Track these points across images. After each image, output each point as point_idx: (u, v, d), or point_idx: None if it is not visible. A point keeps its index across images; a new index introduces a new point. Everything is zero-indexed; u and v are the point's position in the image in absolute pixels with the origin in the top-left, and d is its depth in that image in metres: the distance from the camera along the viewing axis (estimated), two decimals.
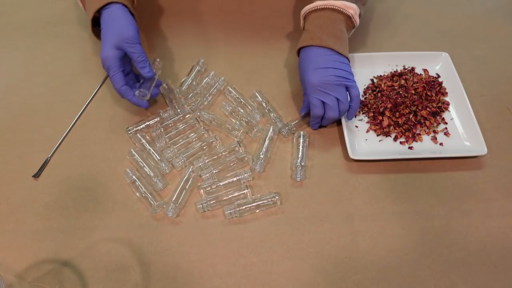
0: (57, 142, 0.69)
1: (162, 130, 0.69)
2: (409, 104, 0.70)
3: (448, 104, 0.72)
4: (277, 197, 0.60)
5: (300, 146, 0.66)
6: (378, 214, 0.61)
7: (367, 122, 0.70)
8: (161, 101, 0.74)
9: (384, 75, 0.76)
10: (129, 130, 0.68)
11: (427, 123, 0.69)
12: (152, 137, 0.69)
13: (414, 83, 0.73)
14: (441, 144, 0.67)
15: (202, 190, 0.62)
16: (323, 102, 0.63)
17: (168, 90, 0.73)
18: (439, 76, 0.75)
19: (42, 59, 0.80)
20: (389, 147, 0.67)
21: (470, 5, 0.89)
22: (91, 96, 0.74)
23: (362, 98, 0.73)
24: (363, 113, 0.72)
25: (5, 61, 0.80)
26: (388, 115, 0.69)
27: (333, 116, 0.64)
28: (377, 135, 0.69)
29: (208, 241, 0.59)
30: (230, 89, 0.73)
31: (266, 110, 0.71)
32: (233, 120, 0.71)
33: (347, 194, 0.63)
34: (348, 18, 0.67)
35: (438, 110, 0.70)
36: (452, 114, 0.71)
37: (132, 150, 0.66)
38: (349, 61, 0.66)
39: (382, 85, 0.74)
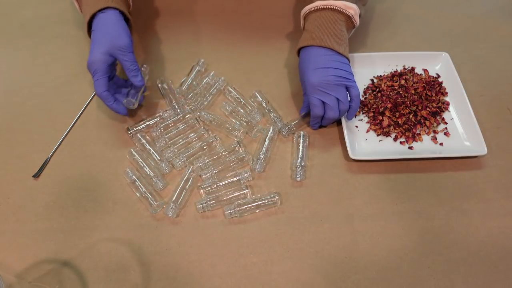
0: (57, 142, 0.69)
1: (162, 130, 0.69)
2: (409, 104, 0.70)
3: (448, 104, 0.72)
4: (277, 197, 0.60)
5: (300, 146, 0.66)
6: (378, 214, 0.61)
7: (367, 122, 0.70)
8: (161, 101, 0.74)
9: (384, 75, 0.76)
10: (129, 130, 0.68)
11: (427, 123, 0.69)
12: (152, 137, 0.69)
13: (414, 83, 0.73)
14: (441, 144, 0.67)
15: (202, 190, 0.62)
16: (323, 102, 0.63)
17: (168, 90, 0.73)
18: (439, 76, 0.75)
19: (42, 59, 0.80)
20: (389, 147, 0.67)
21: (470, 5, 0.89)
22: (91, 96, 0.74)
23: (362, 98, 0.73)
24: (363, 113, 0.72)
25: (5, 61, 0.80)
26: (388, 115, 0.69)
27: (333, 116, 0.64)
28: (377, 135, 0.69)
29: (208, 241, 0.59)
30: (230, 89, 0.73)
31: (266, 110, 0.71)
32: (233, 120, 0.71)
33: (347, 194, 0.63)
34: (348, 18, 0.67)
35: (438, 110, 0.70)
36: (452, 114, 0.71)
37: (132, 150, 0.66)
38: (349, 61, 0.66)
39: (382, 85, 0.74)
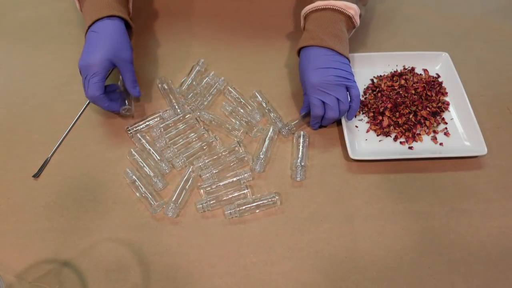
0: (57, 142, 0.69)
1: (162, 130, 0.69)
2: (409, 104, 0.70)
3: (448, 104, 0.72)
4: (277, 197, 0.60)
5: (300, 146, 0.66)
6: (378, 214, 0.61)
7: (367, 122, 0.70)
8: (161, 101, 0.74)
9: (384, 75, 0.76)
10: (129, 130, 0.68)
11: (427, 123, 0.69)
12: (152, 137, 0.69)
13: (414, 83, 0.73)
14: (441, 144, 0.67)
15: (202, 190, 0.62)
16: (323, 102, 0.63)
17: (168, 90, 0.73)
18: (439, 76, 0.75)
19: (42, 59, 0.80)
20: (389, 147, 0.67)
21: (470, 5, 0.89)
22: None
23: (362, 98, 0.73)
24: (363, 113, 0.72)
25: (5, 61, 0.80)
26: (388, 115, 0.69)
27: (333, 116, 0.64)
28: (377, 135, 0.69)
29: (208, 241, 0.59)
30: (230, 89, 0.73)
31: (266, 110, 0.71)
32: (233, 120, 0.71)
33: (347, 194, 0.63)
34: (349, 18, 0.67)
35: (438, 110, 0.70)
36: (452, 114, 0.71)
37: (132, 150, 0.66)
38: (349, 61, 0.66)
39: (382, 85, 0.74)
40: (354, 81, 0.64)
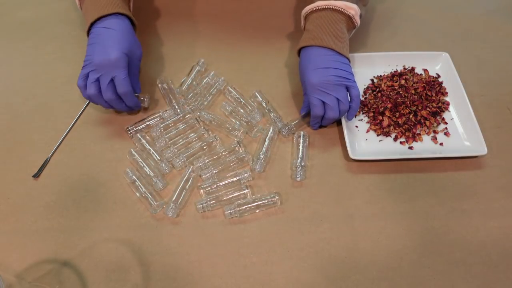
0: (57, 142, 0.69)
1: (162, 130, 0.69)
2: (409, 104, 0.70)
3: (448, 104, 0.72)
4: (277, 197, 0.60)
5: (300, 146, 0.66)
6: (378, 214, 0.61)
7: (367, 122, 0.70)
8: (161, 101, 0.74)
9: (384, 75, 0.76)
10: (129, 130, 0.68)
11: (427, 123, 0.69)
12: (152, 137, 0.69)
13: (414, 83, 0.73)
14: (441, 144, 0.67)
15: (202, 190, 0.62)
16: (323, 102, 0.63)
17: (168, 90, 0.73)
18: (439, 76, 0.75)
19: (42, 59, 0.80)
20: (389, 147, 0.67)
21: (470, 5, 0.89)
22: None
23: (362, 98, 0.73)
24: (363, 113, 0.72)
25: (5, 61, 0.80)
26: (388, 115, 0.69)
27: (333, 116, 0.64)
28: (377, 135, 0.69)
29: (208, 241, 0.59)
30: (230, 89, 0.73)
31: (266, 110, 0.71)
32: (233, 120, 0.71)
33: (347, 194, 0.63)
34: (349, 18, 0.67)
35: (438, 110, 0.70)
36: (452, 114, 0.71)
37: (132, 150, 0.66)
38: (349, 61, 0.66)
39: (382, 85, 0.74)
40: (354, 81, 0.64)
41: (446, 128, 0.69)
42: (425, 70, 0.76)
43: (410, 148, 0.67)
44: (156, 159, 0.65)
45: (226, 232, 0.59)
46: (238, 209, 0.60)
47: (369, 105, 0.71)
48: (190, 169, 0.64)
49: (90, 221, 0.61)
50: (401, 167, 0.65)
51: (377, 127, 0.69)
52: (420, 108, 0.70)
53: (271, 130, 0.68)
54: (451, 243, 0.58)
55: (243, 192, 0.61)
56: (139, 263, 0.57)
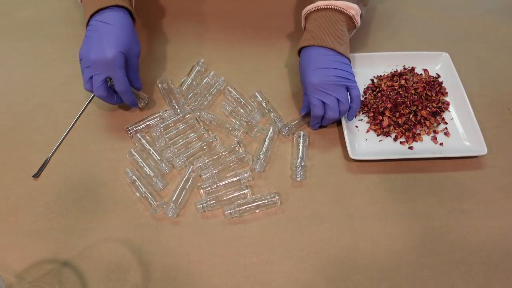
0: (57, 142, 0.69)
1: (162, 130, 0.69)
2: (409, 104, 0.70)
3: (448, 104, 0.72)
4: (277, 197, 0.60)
5: (300, 146, 0.66)
6: (378, 214, 0.61)
7: (367, 122, 0.70)
8: (161, 101, 0.74)
9: (384, 75, 0.76)
10: (129, 130, 0.68)
11: (427, 123, 0.69)
12: (152, 137, 0.69)
13: (414, 83, 0.73)
14: (441, 144, 0.67)
15: (202, 190, 0.62)
16: (323, 102, 0.63)
17: (168, 90, 0.73)
18: (439, 76, 0.75)
19: (42, 59, 0.80)
20: (389, 147, 0.67)
21: (470, 5, 0.89)
22: (91, 96, 0.74)
23: (362, 98, 0.73)
24: (363, 113, 0.72)
25: (5, 61, 0.80)
26: (388, 115, 0.69)
27: (333, 116, 0.64)
28: (377, 135, 0.69)
29: (208, 241, 0.59)
30: (230, 89, 0.73)
31: (266, 110, 0.71)
32: (233, 120, 0.71)
33: (347, 194, 0.63)
34: (349, 18, 0.67)
35: (438, 110, 0.70)
36: (452, 114, 0.71)
37: (132, 150, 0.66)
38: (350, 61, 0.66)
39: (382, 85, 0.74)
40: (355, 82, 0.64)
41: (446, 128, 0.69)
42: (425, 70, 0.76)
43: (410, 148, 0.67)
44: (156, 159, 0.65)
45: (226, 232, 0.59)
46: (238, 209, 0.60)
47: (369, 105, 0.71)
48: (190, 169, 0.64)
49: (90, 221, 0.61)
50: (401, 167, 0.65)
51: (377, 127, 0.69)
52: (420, 108, 0.70)
53: (271, 130, 0.68)
54: (451, 243, 0.58)
55: (243, 192, 0.61)
56: (139, 263, 0.57)
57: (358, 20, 0.68)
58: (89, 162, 0.66)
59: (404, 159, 0.66)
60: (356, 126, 0.70)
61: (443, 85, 0.74)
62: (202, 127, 0.69)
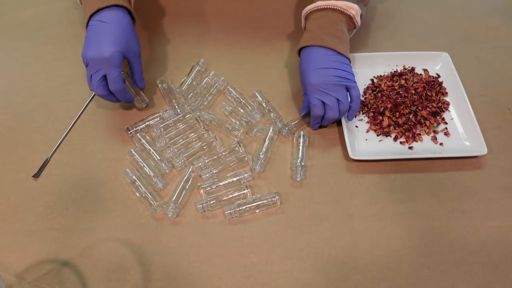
0: (57, 142, 0.69)
1: (162, 130, 0.69)
2: (409, 104, 0.70)
3: (448, 104, 0.72)
4: (277, 197, 0.60)
5: (300, 146, 0.66)
6: (378, 214, 0.61)
7: (367, 122, 0.70)
8: (161, 101, 0.74)
9: (384, 75, 0.76)
10: (129, 130, 0.68)
11: (427, 123, 0.69)
12: (152, 137, 0.69)
13: (414, 83, 0.73)
14: (441, 144, 0.67)
15: (202, 190, 0.62)
16: (323, 102, 0.63)
17: (168, 90, 0.73)
18: (439, 76, 0.75)
19: (42, 59, 0.80)
20: (389, 147, 0.67)
21: (470, 5, 0.89)
22: (91, 96, 0.74)
23: (362, 98, 0.73)
24: (363, 113, 0.72)
25: (5, 61, 0.80)
26: (388, 115, 0.69)
27: (333, 116, 0.64)
28: (377, 135, 0.69)
29: (208, 241, 0.59)
30: (230, 89, 0.73)
31: (266, 110, 0.71)
32: (233, 120, 0.71)
33: (347, 194, 0.63)
34: (349, 18, 0.67)
35: (438, 110, 0.70)
36: (452, 114, 0.71)
37: (132, 150, 0.66)
38: (350, 61, 0.66)
39: (382, 85, 0.74)
40: (355, 82, 0.64)
41: (446, 128, 0.69)
42: (425, 70, 0.76)
43: (410, 148, 0.67)
44: (156, 159, 0.65)
45: (226, 232, 0.59)
46: (238, 209, 0.60)
47: (369, 105, 0.71)
48: (190, 169, 0.64)
49: (90, 221, 0.61)
50: (401, 167, 0.65)
51: (377, 127, 0.69)
52: (420, 108, 0.70)
53: (271, 130, 0.68)
54: (451, 243, 0.58)
55: (243, 192, 0.61)
56: (139, 263, 0.57)
57: (358, 20, 0.68)
58: (89, 162, 0.66)
59: (404, 159, 0.66)
60: (356, 126, 0.70)
61: (443, 85, 0.74)
62: (202, 127, 0.69)
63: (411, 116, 0.69)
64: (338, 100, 0.63)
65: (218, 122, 0.69)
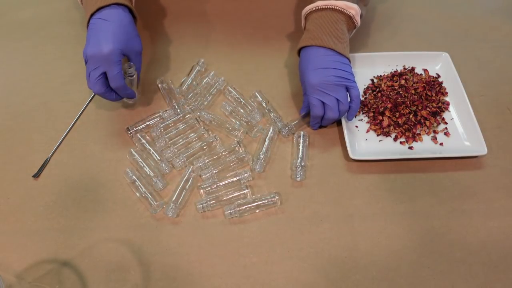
0: (57, 142, 0.69)
1: (162, 130, 0.69)
2: (409, 104, 0.70)
3: (448, 104, 0.72)
4: (277, 197, 0.60)
5: (300, 146, 0.66)
6: (378, 214, 0.61)
7: (367, 122, 0.70)
8: (161, 101, 0.74)
9: (384, 75, 0.76)
10: (129, 130, 0.68)
11: (427, 123, 0.69)
12: (152, 137, 0.69)
13: (414, 83, 0.73)
14: (441, 144, 0.67)
15: (202, 190, 0.62)
16: (323, 103, 0.63)
17: (168, 90, 0.73)
18: (439, 76, 0.75)
19: (42, 59, 0.80)
20: (389, 147, 0.67)
21: (470, 5, 0.89)
22: (91, 96, 0.74)
23: (362, 98, 0.73)
24: (363, 113, 0.72)
25: (5, 61, 0.80)
26: (388, 115, 0.69)
27: (333, 116, 0.64)
28: (377, 135, 0.69)
29: (208, 241, 0.59)
30: (230, 89, 0.73)
31: (266, 110, 0.71)
32: (233, 120, 0.71)
33: (347, 194, 0.63)
34: (349, 18, 0.67)
35: (438, 110, 0.70)
36: (452, 114, 0.71)
37: (132, 150, 0.66)
38: (350, 61, 0.66)
39: (382, 85, 0.74)
40: (354, 82, 0.64)
41: (446, 128, 0.69)
42: (425, 70, 0.76)
43: (410, 148, 0.67)
44: (156, 159, 0.65)
45: (226, 232, 0.59)
46: (238, 209, 0.60)
47: (369, 105, 0.71)
48: (190, 169, 0.64)
49: (90, 221, 0.61)
50: (401, 167, 0.65)
51: (377, 127, 0.69)
52: (420, 108, 0.70)
53: (271, 130, 0.68)
54: (451, 243, 0.58)
55: (243, 192, 0.61)
56: (139, 263, 0.57)
57: (358, 20, 0.68)
58: (89, 162, 0.66)
59: (404, 159, 0.66)
60: (356, 126, 0.70)
61: (443, 85, 0.74)
62: (202, 127, 0.69)
63: (411, 116, 0.69)
64: (337, 100, 0.63)
65: (218, 122, 0.69)
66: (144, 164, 0.64)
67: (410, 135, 0.68)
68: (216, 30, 0.84)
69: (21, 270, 0.56)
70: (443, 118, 0.70)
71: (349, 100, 0.65)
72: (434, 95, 0.72)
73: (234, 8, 0.88)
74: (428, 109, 0.70)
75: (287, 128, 0.68)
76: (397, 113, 0.69)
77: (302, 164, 0.64)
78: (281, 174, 0.65)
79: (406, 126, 0.68)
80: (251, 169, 0.65)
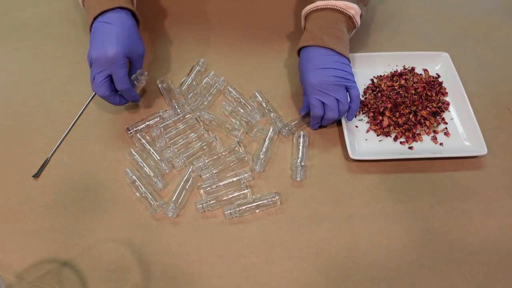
0: (57, 142, 0.69)
1: (162, 130, 0.69)
2: (409, 104, 0.70)
3: (448, 104, 0.72)
4: (277, 197, 0.60)
5: (300, 146, 0.66)
6: (378, 214, 0.61)
7: (367, 122, 0.70)
8: (161, 101, 0.74)
9: (384, 75, 0.76)
10: (129, 130, 0.68)
11: (427, 123, 0.69)
12: (152, 137, 0.69)
13: (414, 83, 0.73)
14: (441, 144, 0.67)
15: (202, 190, 0.62)
16: (323, 103, 0.63)
17: (168, 90, 0.73)
18: (439, 76, 0.75)
19: (42, 59, 0.80)
20: (389, 147, 0.67)
21: (470, 5, 0.89)
22: (91, 96, 0.74)
23: (362, 98, 0.73)
24: (363, 113, 0.72)
25: (5, 61, 0.80)
26: (388, 115, 0.69)
27: (332, 116, 0.64)
28: (377, 135, 0.69)
29: (208, 241, 0.59)
30: (230, 89, 0.73)
31: (266, 110, 0.71)
32: (233, 120, 0.71)
33: (347, 194, 0.63)
34: (349, 18, 0.67)
35: (438, 110, 0.70)
36: (452, 114, 0.71)
37: (132, 150, 0.66)
38: (349, 61, 0.66)
39: (382, 85, 0.74)
40: (354, 82, 0.64)
41: (446, 128, 0.69)
42: (425, 70, 0.76)
43: (410, 148, 0.67)
44: (156, 159, 0.65)
45: (226, 232, 0.59)
46: (238, 209, 0.60)
47: (369, 105, 0.71)
48: (190, 169, 0.64)
49: (90, 221, 0.61)
50: (401, 167, 0.65)
51: (377, 127, 0.69)
52: (420, 108, 0.70)
53: (271, 130, 0.68)
54: (451, 243, 0.58)
55: (243, 192, 0.61)
56: (139, 263, 0.57)
57: (358, 20, 0.68)
58: (89, 162, 0.66)
59: (404, 159, 0.66)
60: (356, 126, 0.70)
61: (443, 85, 0.74)
62: (202, 127, 0.69)
63: (411, 116, 0.69)
64: (337, 100, 0.63)
65: (218, 122, 0.69)
66: (144, 164, 0.64)
67: (410, 135, 0.68)
68: (216, 31, 0.84)
69: (21, 270, 0.56)
70: (443, 118, 0.70)
71: (349, 100, 0.65)
72: (434, 95, 0.72)
73: (234, 8, 0.88)
74: (428, 109, 0.70)
75: (287, 128, 0.68)
76: (397, 113, 0.69)
77: (302, 164, 0.64)
78: (281, 174, 0.65)
79: (406, 126, 0.68)
80: (251, 169, 0.65)
